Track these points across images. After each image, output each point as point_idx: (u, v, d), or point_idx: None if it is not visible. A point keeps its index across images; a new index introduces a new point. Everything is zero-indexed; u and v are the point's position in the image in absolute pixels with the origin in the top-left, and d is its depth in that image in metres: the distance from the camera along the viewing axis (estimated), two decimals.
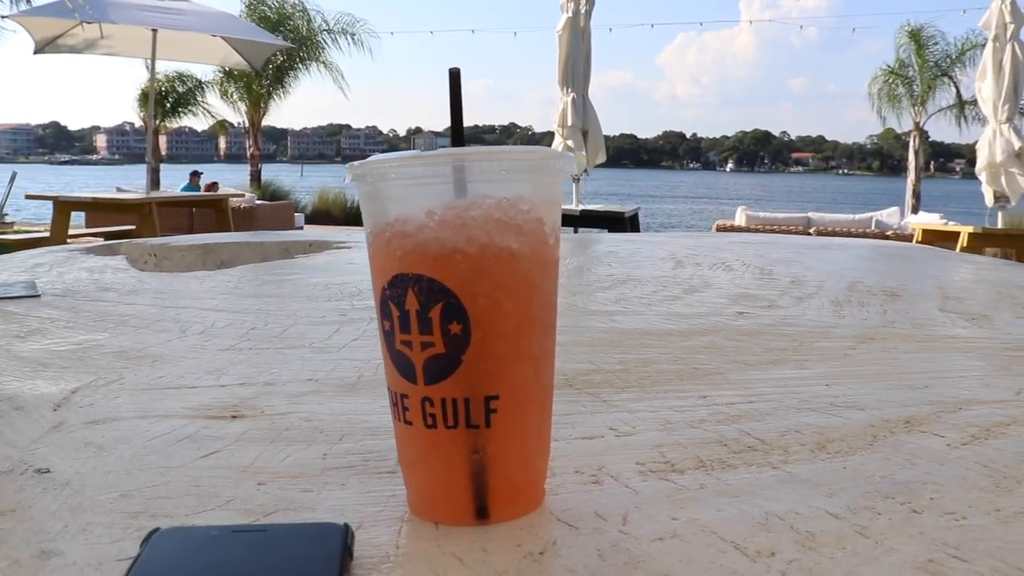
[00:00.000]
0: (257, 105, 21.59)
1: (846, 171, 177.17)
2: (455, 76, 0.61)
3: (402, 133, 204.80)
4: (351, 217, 20.21)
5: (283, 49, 18.05)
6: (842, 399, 0.85)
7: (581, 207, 9.29)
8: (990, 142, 8.76)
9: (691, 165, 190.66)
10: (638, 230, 10.26)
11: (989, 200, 9.09)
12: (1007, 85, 8.58)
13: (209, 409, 0.82)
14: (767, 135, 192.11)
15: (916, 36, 19.09)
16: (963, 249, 8.04)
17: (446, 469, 0.56)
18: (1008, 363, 1.02)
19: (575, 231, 9.59)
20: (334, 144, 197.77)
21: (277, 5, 20.86)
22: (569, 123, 9.36)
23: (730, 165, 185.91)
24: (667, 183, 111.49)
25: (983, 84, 8.89)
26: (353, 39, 21.40)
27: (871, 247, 2.33)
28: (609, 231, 9.24)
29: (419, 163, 0.54)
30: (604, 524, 0.55)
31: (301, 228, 15.20)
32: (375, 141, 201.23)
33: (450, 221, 0.53)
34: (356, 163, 0.56)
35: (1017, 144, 8.63)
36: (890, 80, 20.07)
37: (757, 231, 13.27)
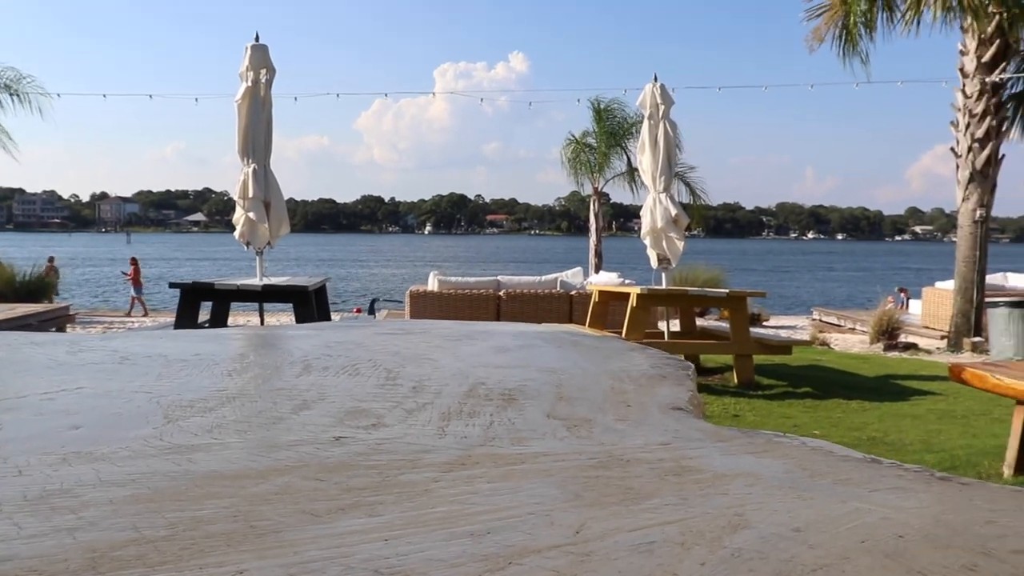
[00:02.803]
0: None
1: (538, 231, 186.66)
2: None
3: (85, 198, 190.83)
4: (21, 293, 18.32)
5: None
6: (393, 562, 0.77)
7: (264, 281, 8.99)
8: (651, 210, 9.49)
9: (390, 229, 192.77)
10: (326, 303, 10.10)
11: (654, 263, 9.83)
12: (662, 158, 9.36)
13: None
14: (463, 198, 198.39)
15: (597, 108, 20.48)
16: (632, 309, 8.60)
17: None
18: (583, 488, 1.00)
19: (260, 308, 9.28)
20: (4, 210, 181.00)
21: None
22: (251, 195, 9.06)
23: (428, 228, 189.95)
24: (370, 247, 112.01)
25: (643, 157, 9.64)
26: (17, 97, 19.55)
27: (516, 335, 2.35)
28: (294, 306, 9.02)
29: None
30: None
31: None
32: (54, 207, 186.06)
33: None
34: None
35: (674, 211, 9.41)
36: (576, 148, 21.36)
37: (450, 295, 13.55)
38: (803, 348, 10.48)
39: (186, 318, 8.92)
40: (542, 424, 1.30)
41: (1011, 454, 4.62)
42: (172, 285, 9.47)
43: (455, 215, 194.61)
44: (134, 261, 19.11)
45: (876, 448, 5.81)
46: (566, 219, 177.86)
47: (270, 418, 1.35)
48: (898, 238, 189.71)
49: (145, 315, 16.85)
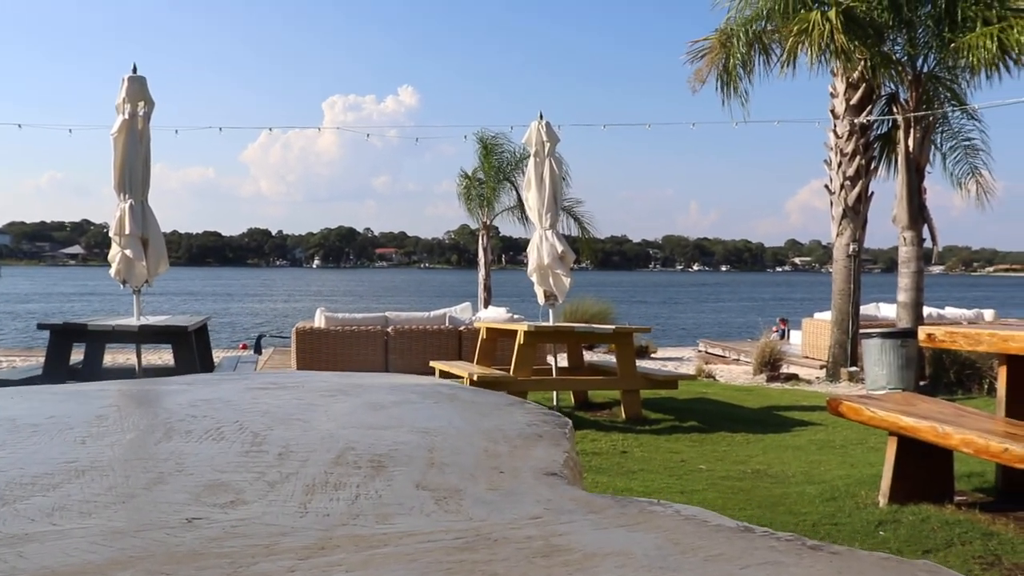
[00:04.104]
0: None
1: (428, 264, 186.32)
2: None
3: None
4: None
5: None
6: None
7: (141, 321, 8.68)
8: (538, 247, 9.56)
9: (278, 262, 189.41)
10: (207, 343, 9.82)
11: (541, 299, 9.88)
12: (548, 195, 9.45)
13: None
14: (352, 231, 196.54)
15: (484, 143, 20.59)
16: (520, 346, 8.61)
17: None
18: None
19: (136, 348, 8.95)
20: None
21: None
22: (127, 231, 8.76)
23: (317, 261, 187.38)
24: (259, 281, 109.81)
25: (529, 194, 9.71)
26: None
27: (392, 389, 2.29)
28: (173, 347, 8.73)
29: None
30: None
31: None
32: None
33: None
34: None
35: (560, 248, 9.49)
36: (467, 184, 21.41)
37: (337, 332, 13.33)
38: (689, 382, 10.67)
39: (57, 361, 8.52)
40: (410, 496, 1.25)
41: (885, 483, 4.79)
42: (41, 326, 9.04)
43: (344, 248, 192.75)
44: None
45: (760, 481, 5.94)
46: (456, 252, 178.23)
47: (119, 495, 1.27)
48: (779, 269, 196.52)
49: None
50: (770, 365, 13.23)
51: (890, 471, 4.75)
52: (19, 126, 16.58)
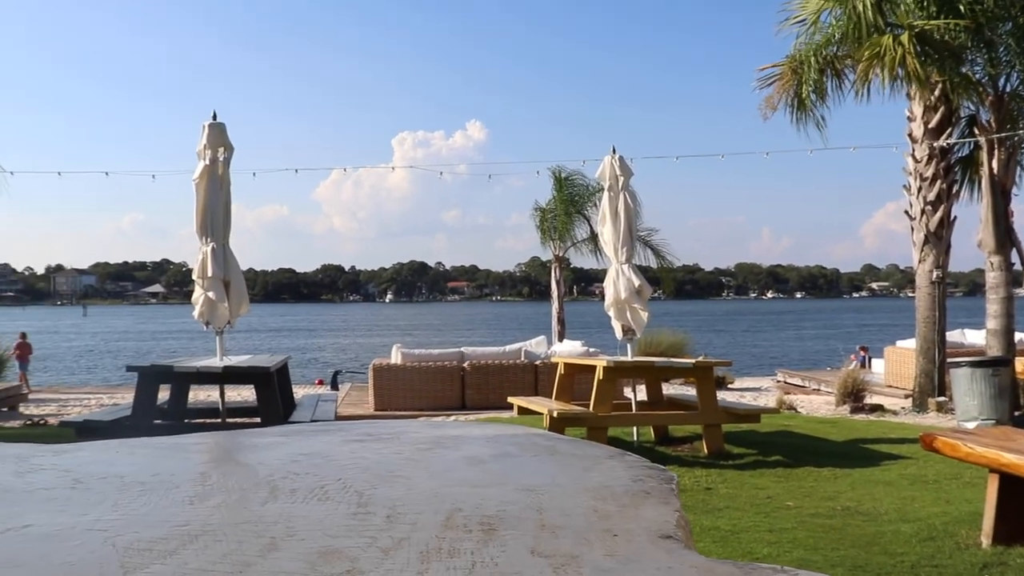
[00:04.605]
0: None
1: (499, 297, 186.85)
2: None
3: (40, 271, 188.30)
4: None
5: None
6: None
7: (225, 362, 8.83)
8: (614, 281, 9.50)
9: (351, 297, 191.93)
10: (288, 383, 9.95)
11: (619, 334, 9.81)
12: (623, 229, 9.39)
13: None
14: (424, 266, 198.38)
15: (558, 177, 20.68)
16: (599, 382, 8.53)
17: None
18: None
19: (220, 389, 9.09)
20: None
21: None
22: (209, 274, 8.96)
23: (389, 296, 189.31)
24: (335, 316, 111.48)
25: (604, 228, 9.68)
26: None
27: (489, 441, 2.27)
28: (255, 387, 8.86)
29: None
30: None
31: None
32: (7, 280, 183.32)
33: None
34: None
35: (637, 282, 9.41)
36: (543, 216, 21.51)
37: (414, 367, 13.41)
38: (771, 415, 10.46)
39: (145, 402, 8.72)
40: (527, 564, 1.22)
41: (988, 524, 4.60)
42: (130, 368, 9.28)
43: (416, 282, 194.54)
44: (22, 336, 18.97)
45: (851, 519, 5.77)
46: (527, 284, 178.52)
47: (236, 564, 1.26)
48: (855, 295, 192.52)
49: (27, 391, 16.44)
50: (853, 395, 12.92)
51: (992, 510, 4.57)
52: (106, 174, 17.15)
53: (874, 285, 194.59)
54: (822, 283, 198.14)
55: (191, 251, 9.18)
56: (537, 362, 13.67)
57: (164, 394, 9.63)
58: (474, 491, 1.70)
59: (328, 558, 1.28)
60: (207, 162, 9.24)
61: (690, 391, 12.61)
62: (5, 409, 14.13)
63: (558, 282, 21.32)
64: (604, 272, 10.11)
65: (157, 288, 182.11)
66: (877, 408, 12.63)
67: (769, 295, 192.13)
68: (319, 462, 1.99)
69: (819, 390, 15.91)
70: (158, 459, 2.18)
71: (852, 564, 4.47)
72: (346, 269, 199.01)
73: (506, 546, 1.32)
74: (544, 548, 1.31)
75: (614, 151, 9.52)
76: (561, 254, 21.51)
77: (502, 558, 1.26)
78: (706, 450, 8.52)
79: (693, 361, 9.96)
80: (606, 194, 9.48)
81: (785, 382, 18.07)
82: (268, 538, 1.40)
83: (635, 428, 9.34)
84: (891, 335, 17.04)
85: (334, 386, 18.22)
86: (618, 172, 9.32)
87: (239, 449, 2.32)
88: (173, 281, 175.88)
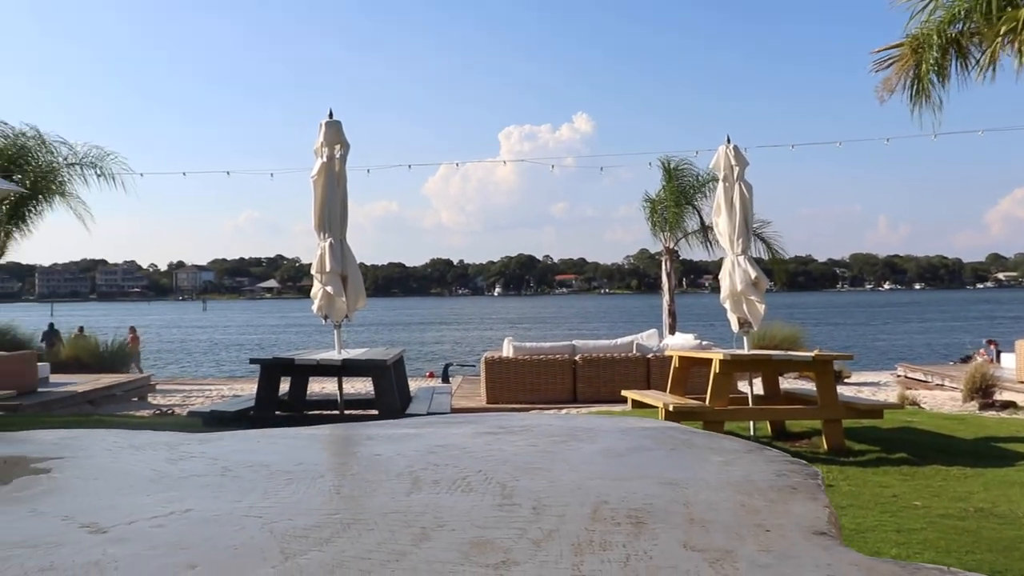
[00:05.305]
0: None
1: (608, 290, 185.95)
2: None
3: (163, 268, 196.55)
4: (105, 363, 18.72)
5: (14, 194, 16.68)
6: None
7: (343, 355, 9.03)
8: (730, 273, 9.32)
9: (460, 291, 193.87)
10: (404, 375, 10.11)
11: (735, 326, 9.62)
12: (739, 220, 9.21)
13: None
14: (532, 259, 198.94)
15: (668, 168, 20.43)
16: (715, 375, 8.40)
17: None
18: None
19: (338, 381, 9.30)
20: (88, 280, 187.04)
21: (12, 136, 19.24)
22: (328, 269, 9.15)
23: (497, 289, 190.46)
24: (445, 310, 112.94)
25: (719, 219, 9.50)
26: (101, 172, 20.01)
27: (623, 434, 2.26)
28: (373, 379, 9.03)
29: None
30: None
31: (46, 378, 13.92)
32: (134, 276, 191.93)
33: None
34: None
35: (753, 274, 9.22)
36: (651, 207, 21.30)
37: (526, 361, 13.46)
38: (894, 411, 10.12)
39: (267, 394, 9.00)
40: (681, 558, 1.21)
41: None
42: (253, 361, 9.62)
43: (524, 276, 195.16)
44: (132, 330, 19.74)
45: (985, 521, 5.54)
46: (635, 277, 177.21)
47: (392, 553, 1.29)
48: (980, 286, 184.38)
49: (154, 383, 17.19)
50: (982, 391, 12.39)
51: None
52: (227, 173, 17.77)
53: (1000, 275, 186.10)
54: (943, 273, 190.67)
55: (304, 247, 9.45)
56: (649, 355, 13.54)
57: (284, 386, 9.92)
58: (617, 484, 1.70)
59: (481, 548, 1.30)
60: (324, 159, 9.43)
61: (805, 385, 12.29)
62: (136, 399, 14.80)
63: (668, 274, 21.05)
64: (714, 264, 9.96)
65: (271, 283, 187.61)
66: (1009, 405, 12.09)
67: (886, 286, 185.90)
68: (456, 453, 2.01)
69: (943, 385, 15.32)
70: (298, 449, 2.24)
71: (991, 569, 4.28)
72: (454, 263, 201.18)
73: (657, 539, 1.31)
74: (696, 542, 1.29)
75: (728, 140, 9.34)
76: (671, 246, 21.24)
77: (655, 551, 1.25)
78: (826, 446, 8.29)
79: (812, 354, 9.71)
80: (721, 184, 9.31)
81: (906, 376, 17.45)
82: (419, 528, 1.42)
83: (751, 423, 9.16)
84: (1022, 328, 16.27)
85: (445, 379, 18.44)
86: (733, 162, 9.14)
87: (374, 440, 2.37)
88: (286, 276, 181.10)
